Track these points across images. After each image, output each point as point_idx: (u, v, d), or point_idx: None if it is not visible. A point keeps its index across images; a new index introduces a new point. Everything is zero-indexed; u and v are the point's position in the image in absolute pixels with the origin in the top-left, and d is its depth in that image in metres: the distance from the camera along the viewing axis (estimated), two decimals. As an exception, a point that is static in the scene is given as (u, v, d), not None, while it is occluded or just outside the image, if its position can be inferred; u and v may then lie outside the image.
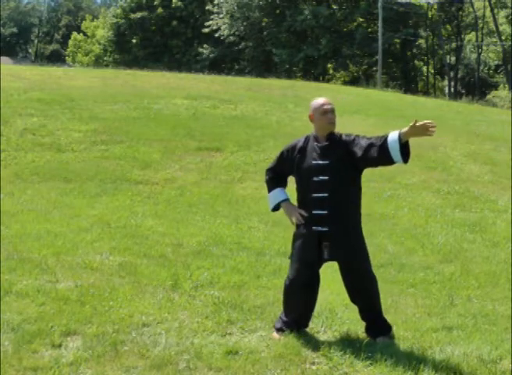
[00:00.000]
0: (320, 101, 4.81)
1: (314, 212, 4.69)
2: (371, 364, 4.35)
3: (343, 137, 4.74)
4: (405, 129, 4.44)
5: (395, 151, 4.45)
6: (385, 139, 4.51)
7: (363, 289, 4.80)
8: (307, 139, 4.85)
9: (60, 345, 4.52)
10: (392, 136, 4.48)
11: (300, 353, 4.46)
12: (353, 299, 4.88)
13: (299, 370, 4.26)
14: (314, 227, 4.69)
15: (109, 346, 4.49)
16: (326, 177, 4.65)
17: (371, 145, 4.56)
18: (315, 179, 4.68)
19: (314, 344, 4.61)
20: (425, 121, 4.35)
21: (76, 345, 4.52)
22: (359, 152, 4.59)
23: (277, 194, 4.97)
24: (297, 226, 4.82)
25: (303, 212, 4.72)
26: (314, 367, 4.33)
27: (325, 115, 4.74)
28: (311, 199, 4.70)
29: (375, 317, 4.87)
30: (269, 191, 5.04)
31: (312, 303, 4.89)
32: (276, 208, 5.02)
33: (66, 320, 4.92)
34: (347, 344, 4.64)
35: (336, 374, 4.27)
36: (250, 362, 4.32)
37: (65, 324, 4.84)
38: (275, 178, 5.01)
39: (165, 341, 4.62)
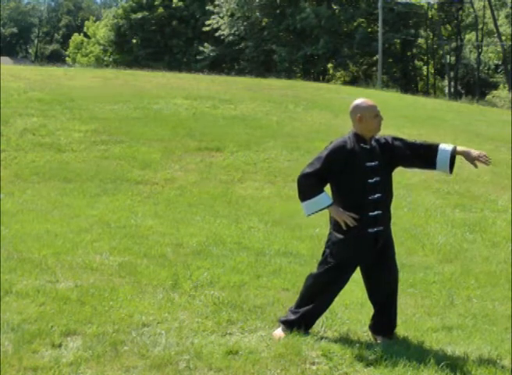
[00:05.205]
0: (369, 102, 4.82)
1: (370, 213, 4.66)
2: (371, 364, 4.35)
3: (382, 138, 4.85)
4: (461, 149, 4.75)
5: (443, 159, 4.74)
6: (437, 145, 4.81)
7: (392, 283, 4.88)
8: (350, 140, 4.76)
9: (60, 345, 4.51)
10: (445, 146, 4.78)
11: (300, 353, 4.46)
12: (380, 297, 4.87)
13: (299, 370, 4.26)
14: (370, 229, 4.67)
15: (109, 346, 4.48)
16: (379, 178, 4.70)
17: (420, 146, 4.83)
18: (370, 181, 4.68)
19: (314, 344, 4.61)
20: (482, 153, 4.68)
21: (76, 345, 4.51)
22: (407, 150, 4.78)
23: (323, 199, 4.74)
24: (347, 229, 4.68)
25: (353, 215, 4.65)
26: (314, 367, 4.32)
27: (377, 118, 4.76)
28: (367, 201, 4.67)
29: (391, 314, 4.89)
30: (312, 196, 4.75)
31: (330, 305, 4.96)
32: (312, 213, 4.86)
33: (66, 320, 4.92)
34: (347, 344, 4.64)
35: (335, 374, 4.27)
36: (250, 362, 4.32)
37: (65, 324, 4.83)
38: (319, 182, 4.77)
39: (165, 341, 4.61)
